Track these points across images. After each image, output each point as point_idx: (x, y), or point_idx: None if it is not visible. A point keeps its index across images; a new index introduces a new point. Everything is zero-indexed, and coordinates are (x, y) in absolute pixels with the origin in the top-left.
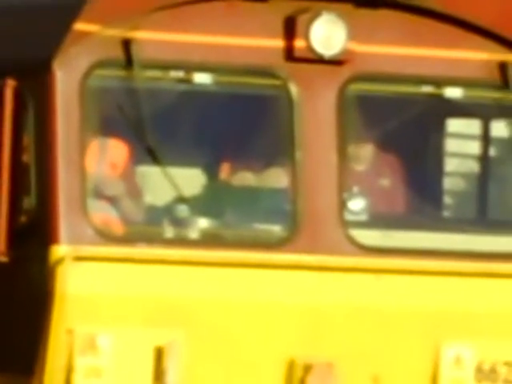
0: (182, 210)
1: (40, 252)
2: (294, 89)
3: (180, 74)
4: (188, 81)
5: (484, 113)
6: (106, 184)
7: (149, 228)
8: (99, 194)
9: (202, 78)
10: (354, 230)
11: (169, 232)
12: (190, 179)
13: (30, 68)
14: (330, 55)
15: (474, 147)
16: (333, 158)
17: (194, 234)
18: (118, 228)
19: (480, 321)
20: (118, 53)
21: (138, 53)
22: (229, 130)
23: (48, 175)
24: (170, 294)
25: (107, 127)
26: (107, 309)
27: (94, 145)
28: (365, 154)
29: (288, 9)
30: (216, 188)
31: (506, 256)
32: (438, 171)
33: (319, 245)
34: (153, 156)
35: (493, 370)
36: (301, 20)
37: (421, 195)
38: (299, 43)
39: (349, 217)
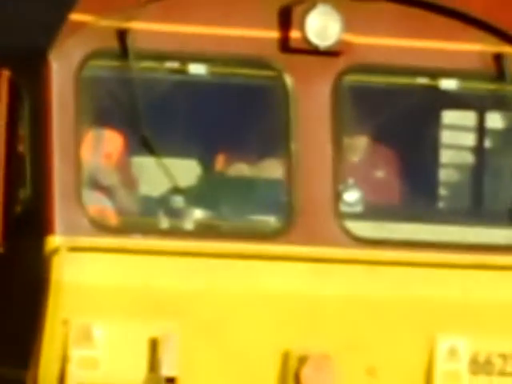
0: (177, 201)
1: (35, 242)
2: (289, 80)
3: (175, 64)
4: (183, 71)
5: (479, 104)
6: (100, 174)
7: (144, 219)
8: (94, 185)
9: (196, 69)
10: (349, 222)
11: (164, 223)
12: (185, 170)
13: (24, 58)
14: (325, 46)
15: (469, 139)
16: (328, 149)
17: (189, 225)
18: (113, 219)
19: (475, 312)
20: (113, 43)
21: (133, 43)
22: (224, 121)
23: (43, 166)
24: (165, 285)
25: (102, 118)
26: (102, 299)
27: (90, 135)
28: (360, 145)
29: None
30: (211, 179)
31: (501, 248)
32: (433, 163)
33: (314, 236)
34: (148, 147)
35: (488, 362)
36: (296, 11)
37: (416, 187)
38: (294, 34)
39: (344, 208)
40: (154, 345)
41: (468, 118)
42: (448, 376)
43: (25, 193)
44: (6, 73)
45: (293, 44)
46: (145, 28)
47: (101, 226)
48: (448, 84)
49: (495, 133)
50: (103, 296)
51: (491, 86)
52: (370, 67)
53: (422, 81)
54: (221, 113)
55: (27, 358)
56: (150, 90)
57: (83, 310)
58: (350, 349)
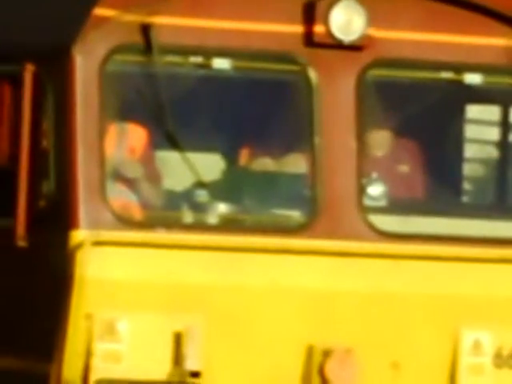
0: (201, 195)
1: (59, 237)
2: (313, 74)
3: (199, 59)
4: (207, 66)
5: (503, 99)
6: (124, 167)
7: (168, 213)
8: (118, 179)
9: (220, 64)
10: (373, 216)
11: (188, 217)
12: (210, 164)
13: (49, 53)
14: (349, 41)
15: (494, 133)
16: (352, 143)
17: (213, 219)
18: (137, 213)
19: (499, 306)
20: (137, 38)
21: (156, 38)
22: (248, 115)
23: (67, 160)
24: (189, 279)
25: (126, 112)
26: (126, 294)
27: (113, 129)
28: (384, 139)
29: None
30: (235, 173)
31: None
32: (458, 157)
33: (338, 230)
34: (172, 141)
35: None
36: (320, 5)
37: (440, 181)
38: (318, 28)
39: (368, 202)
40: (177, 339)
41: (492, 112)
42: (472, 370)
43: (48, 187)
44: (31, 67)
45: (317, 38)
46: (169, 22)
47: (125, 220)
48: (472, 78)
49: None
50: (127, 290)
51: None
52: (394, 62)
53: (446, 75)
54: (245, 107)
55: (51, 352)
56: (173, 85)
57: (107, 304)
58: (374, 343)
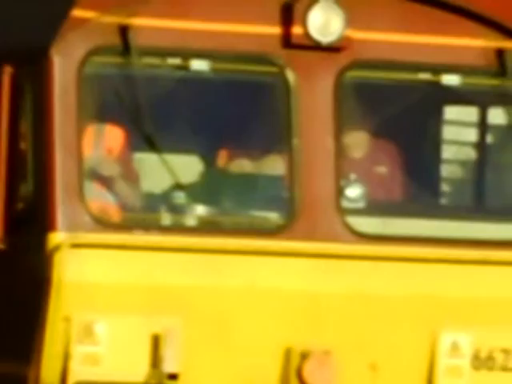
0: (179, 197)
1: (37, 239)
2: (291, 76)
3: (177, 60)
4: (185, 68)
5: (481, 100)
6: (101, 166)
7: (146, 215)
8: (96, 180)
9: (199, 65)
10: (351, 218)
11: (166, 219)
12: (188, 166)
13: (27, 55)
14: (327, 42)
15: (472, 134)
16: (330, 145)
17: (191, 221)
18: (116, 215)
19: (477, 308)
20: (115, 39)
21: (135, 39)
22: (226, 117)
23: (45, 162)
24: (168, 281)
25: (104, 114)
26: (104, 296)
27: (91, 131)
28: (362, 141)
29: None
30: (213, 175)
31: (503, 243)
32: (436, 158)
33: (316, 232)
34: (150, 143)
35: (490, 358)
36: (298, 7)
37: (418, 182)
38: (296, 30)
39: (346, 204)
40: (156, 341)
41: (470, 113)
42: (450, 371)
43: (26, 189)
44: (9, 69)
45: (295, 40)
46: (147, 24)
47: (103, 223)
48: (450, 79)
49: (497, 128)
50: (105, 292)
51: (493, 82)
52: (372, 63)
53: (424, 76)
54: (223, 109)
55: (30, 355)
56: (152, 87)
57: (85, 306)
58: (352, 345)
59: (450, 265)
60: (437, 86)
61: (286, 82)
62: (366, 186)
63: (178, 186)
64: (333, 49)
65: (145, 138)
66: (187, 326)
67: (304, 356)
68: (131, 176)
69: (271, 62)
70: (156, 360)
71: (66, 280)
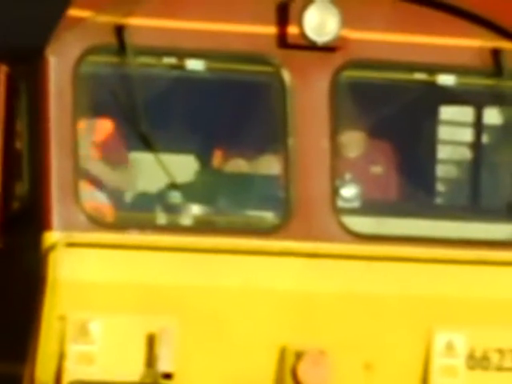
0: (175, 197)
1: (33, 238)
2: (286, 75)
3: (172, 60)
4: (180, 67)
5: (477, 100)
6: (91, 163)
7: (141, 214)
8: (91, 181)
9: (194, 65)
10: (347, 217)
11: (161, 218)
12: (183, 166)
13: (22, 54)
14: (323, 42)
15: (467, 134)
16: (325, 144)
17: (186, 221)
18: (111, 214)
19: (472, 308)
20: (110, 39)
21: (130, 39)
22: (221, 116)
23: (41, 161)
24: (162, 281)
25: (100, 113)
26: (99, 295)
27: (82, 127)
28: (357, 140)
29: None
30: (209, 175)
31: (498, 243)
32: (431, 158)
33: (311, 231)
34: (145, 142)
35: (485, 357)
36: (294, 6)
37: (413, 182)
38: (292, 30)
39: (341, 204)
40: (150, 340)
41: (466, 113)
42: (445, 371)
43: (22, 188)
44: (4, 68)
45: (290, 40)
46: (142, 24)
47: (98, 222)
48: (446, 79)
49: (493, 128)
50: (100, 292)
51: (489, 82)
52: (367, 63)
53: (420, 76)
54: (218, 108)
55: (25, 354)
56: (147, 86)
57: (80, 305)
58: (347, 344)
59: (445, 265)
60: (432, 86)
61: (281, 81)
62: (361, 185)
63: (174, 186)
64: (328, 49)
65: (140, 137)
66: (182, 326)
67: (299, 355)
68: (122, 165)
69: (267, 62)
70: (151, 359)
71: (61, 279)
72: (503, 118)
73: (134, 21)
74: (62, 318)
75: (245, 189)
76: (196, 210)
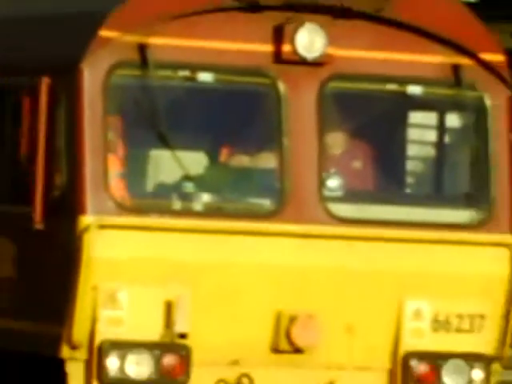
0: (188, 187)
1: (70, 221)
2: (281, 86)
3: (186, 73)
4: (193, 79)
5: (440, 107)
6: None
7: (160, 201)
8: (119, 173)
9: (204, 77)
10: (331, 204)
11: (176, 205)
12: (195, 161)
13: (61, 68)
14: (312, 58)
15: (432, 135)
16: (313, 144)
17: (197, 207)
18: (135, 201)
19: (436, 280)
20: (134, 55)
21: (151, 55)
22: (227, 120)
23: (76, 157)
24: (178, 257)
25: (126, 118)
26: (126, 269)
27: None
28: (340, 140)
29: (277, 19)
30: (216, 168)
31: (457, 226)
32: (402, 155)
33: (302, 216)
34: (164, 141)
35: (447, 321)
36: (287, 28)
37: (387, 175)
38: (286, 48)
39: (327, 193)
40: (168, 306)
41: (430, 118)
42: (413, 333)
43: (61, 179)
44: (47, 80)
45: (285, 56)
46: (161, 43)
47: (124, 208)
48: (414, 90)
49: (453, 130)
50: (126, 266)
51: (450, 92)
52: (349, 76)
53: (392, 87)
54: (224, 113)
55: (63, 318)
56: (165, 95)
57: (109, 277)
58: (332, 310)
59: (414, 244)
60: (402, 95)
61: (277, 91)
62: (343, 178)
63: (187, 178)
64: (316, 64)
65: (159, 137)
66: (194, 294)
67: (292, 319)
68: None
69: (264, 75)
70: (169, 322)
71: (94, 256)
72: (461, 122)
73: (154, 40)
74: (95, 288)
75: (246, 180)
76: (206, 197)
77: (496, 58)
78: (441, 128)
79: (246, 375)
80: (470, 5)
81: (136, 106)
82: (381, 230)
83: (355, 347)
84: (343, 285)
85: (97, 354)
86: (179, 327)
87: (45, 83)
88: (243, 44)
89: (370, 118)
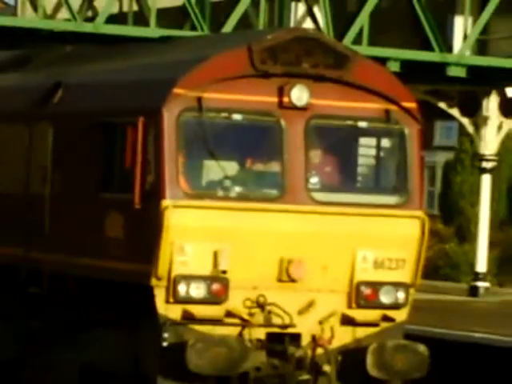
0: (227, 182)
1: (156, 203)
2: (282, 122)
3: (225, 114)
4: (229, 118)
5: (377, 134)
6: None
7: (210, 191)
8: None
9: (236, 117)
10: (313, 193)
11: (220, 193)
12: (231, 167)
13: (151, 111)
14: (300, 105)
15: (372, 151)
16: (302, 157)
17: (233, 194)
18: (195, 191)
19: (375, 239)
20: (194, 104)
21: (204, 104)
22: (250, 142)
23: (159, 165)
24: (221, 224)
25: (190, 143)
26: (190, 232)
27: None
28: (318, 154)
29: (279, 82)
30: (244, 171)
31: (388, 206)
32: (355, 163)
33: (295, 200)
34: (212, 156)
35: (382, 263)
36: (286, 87)
37: (346, 175)
38: (285, 99)
39: (310, 186)
40: (215, 254)
41: (372, 141)
42: (362, 270)
43: (150, 178)
44: (142, 119)
45: (284, 104)
46: (210, 96)
47: (188, 195)
48: (362, 124)
49: (385, 148)
50: (190, 230)
51: (383, 125)
52: (323, 116)
53: (349, 122)
54: (248, 138)
55: (152, 261)
56: (213, 128)
57: (180, 236)
58: (313, 256)
59: (362, 217)
60: (355, 127)
61: (280, 125)
62: (320, 177)
63: (226, 177)
64: (303, 109)
65: (210, 153)
66: (231, 247)
67: (289, 262)
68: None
69: (272, 115)
70: (215, 263)
71: (171, 224)
72: (390, 144)
73: (206, 94)
74: (171, 243)
75: (262, 179)
76: (237, 189)
77: (411, 105)
78: (378, 147)
79: (262, 295)
80: (395, 73)
81: (195, 135)
82: (342, 208)
83: (327, 279)
84: (320, 241)
85: (172, 282)
86: (222, 266)
87: (141, 121)
88: (259, 97)
89: (336, 141)
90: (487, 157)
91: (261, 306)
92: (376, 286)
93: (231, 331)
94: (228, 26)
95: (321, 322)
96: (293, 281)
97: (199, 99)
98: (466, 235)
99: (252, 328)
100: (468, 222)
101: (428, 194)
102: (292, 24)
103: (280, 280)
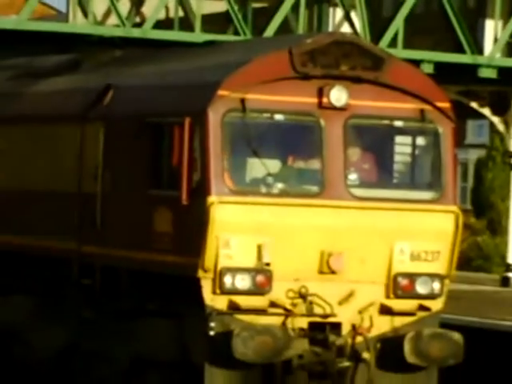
0: (269, 179)
1: (202, 199)
2: (322, 122)
3: (268, 115)
4: (272, 118)
5: (413, 133)
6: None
7: (253, 188)
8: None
9: (279, 117)
10: (352, 189)
11: (263, 189)
12: (274, 164)
13: (197, 112)
14: (339, 106)
15: (408, 149)
16: (341, 154)
17: (275, 191)
18: (239, 188)
19: (412, 232)
20: (238, 105)
21: (247, 105)
22: (292, 141)
23: (205, 163)
24: (264, 219)
25: (234, 143)
26: (234, 226)
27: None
28: (356, 152)
29: (319, 83)
30: (285, 169)
31: (424, 201)
32: (391, 160)
33: (335, 196)
34: (256, 154)
35: (418, 255)
36: (325, 89)
37: (383, 172)
38: (325, 100)
39: (349, 182)
40: (259, 247)
41: (407, 139)
42: (399, 262)
43: (196, 176)
44: (188, 119)
45: (324, 105)
46: (253, 97)
47: (233, 191)
48: (398, 123)
49: (420, 146)
50: (234, 224)
51: (418, 124)
52: (360, 116)
53: (386, 122)
54: (290, 137)
55: (200, 254)
56: (256, 128)
57: (225, 231)
58: (352, 249)
59: (399, 211)
60: (392, 127)
61: (319, 125)
62: (358, 173)
63: (269, 174)
64: (342, 109)
65: (253, 152)
66: (274, 240)
67: (329, 255)
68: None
69: (313, 116)
70: (259, 256)
71: (216, 218)
72: (425, 142)
73: (249, 96)
74: (217, 237)
75: (303, 175)
76: (280, 185)
77: (445, 105)
78: (413, 145)
79: (304, 286)
80: (429, 74)
81: (239, 134)
82: (380, 203)
83: (366, 270)
84: (358, 235)
85: (218, 274)
86: (265, 259)
87: (187, 121)
88: (300, 98)
89: (373, 140)
90: None
91: (303, 296)
92: (413, 277)
93: (275, 321)
94: (269, 31)
95: (360, 312)
96: (333, 272)
97: (242, 100)
98: (497, 228)
99: (294, 317)
100: (499, 215)
101: (461, 189)
102: (330, 28)
103: (321, 272)
